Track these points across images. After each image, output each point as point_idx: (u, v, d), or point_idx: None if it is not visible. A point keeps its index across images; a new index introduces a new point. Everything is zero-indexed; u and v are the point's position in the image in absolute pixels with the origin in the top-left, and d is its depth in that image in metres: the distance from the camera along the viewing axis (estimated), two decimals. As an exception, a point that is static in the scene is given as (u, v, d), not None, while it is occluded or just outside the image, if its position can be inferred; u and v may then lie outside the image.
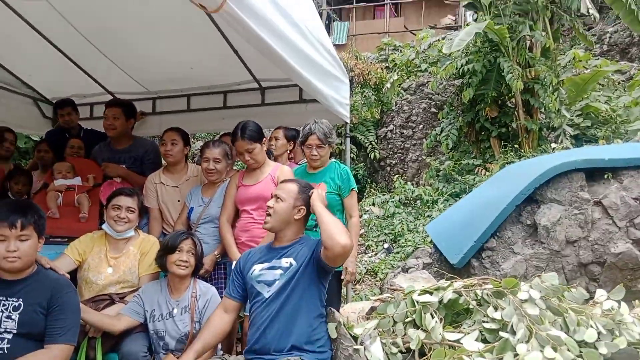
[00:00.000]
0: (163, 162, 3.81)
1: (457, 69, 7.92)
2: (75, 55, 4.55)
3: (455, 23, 18.36)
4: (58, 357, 2.09)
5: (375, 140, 10.85)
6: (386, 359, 2.26)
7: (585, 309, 2.06)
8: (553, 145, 7.03)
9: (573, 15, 8.27)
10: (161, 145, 3.61)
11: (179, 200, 3.52)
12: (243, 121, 3.19)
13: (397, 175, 9.60)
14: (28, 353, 2.06)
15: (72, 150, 4.00)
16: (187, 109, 5.34)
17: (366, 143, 10.66)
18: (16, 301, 2.12)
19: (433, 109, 10.35)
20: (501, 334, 1.98)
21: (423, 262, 4.28)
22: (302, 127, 3.40)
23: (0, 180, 3.99)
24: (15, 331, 2.08)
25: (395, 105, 10.84)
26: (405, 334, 2.31)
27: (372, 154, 10.53)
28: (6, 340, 2.07)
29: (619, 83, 9.94)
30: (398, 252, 6.60)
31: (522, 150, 7.54)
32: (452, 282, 2.48)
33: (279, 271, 2.35)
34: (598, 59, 9.75)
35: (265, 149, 3.25)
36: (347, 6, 21.61)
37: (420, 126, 10.50)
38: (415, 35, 13.34)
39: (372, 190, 10.14)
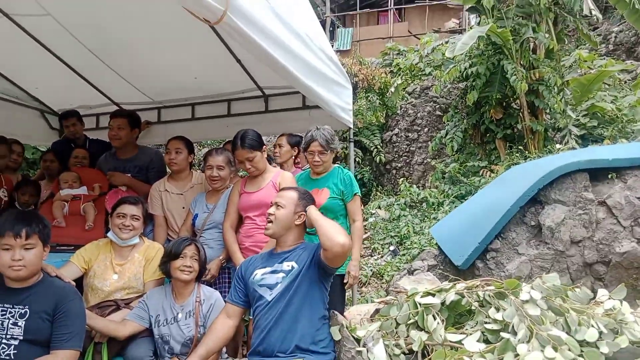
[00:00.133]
0: (168, 170, 3.86)
1: (460, 72, 7.93)
2: (81, 68, 4.62)
3: (459, 26, 18.35)
4: (64, 362, 2.13)
5: (381, 144, 10.86)
6: (389, 361, 2.27)
7: (587, 308, 2.05)
8: (558, 146, 7.00)
9: (578, 16, 8.25)
10: (166, 154, 3.65)
11: (183, 208, 3.55)
12: (242, 130, 3.22)
13: (402, 178, 9.59)
14: (34, 359, 2.10)
15: (77, 160, 4.05)
16: (191, 117, 5.40)
17: (371, 147, 10.67)
18: (22, 308, 2.15)
19: (438, 112, 10.34)
20: (502, 334, 1.98)
21: (428, 264, 4.28)
22: (305, 134, 3.42)
23: (9, 191, 4.05)
24: (21, 337, 2.12)
25: (400, 109, 10.85)
26: (407, 336, 2.32)
27: (378, 158, 10.53)
28: (13, 346, 2.10)
29: (625, 82, 9.89)
30: (404, 255, 6.59)
31: (528, 152, 7.51)
32: (454, 284, 2.48)
33: (281, 274, 2.39)
34: (604, 58, 9.70)
35: (266, 155, 3.28)
36: (350, 12, 21.70)
37: (425, 129, 10.49)
38: (419, 39, 13.34)
39: (378, 193, 10.13)
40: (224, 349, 2.79)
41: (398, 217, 7.78)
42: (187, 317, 2.71)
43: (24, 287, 2.21)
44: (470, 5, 8.54)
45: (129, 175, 3.81)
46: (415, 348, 2.18)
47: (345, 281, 3.16)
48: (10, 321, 2.12)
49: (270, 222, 2.48)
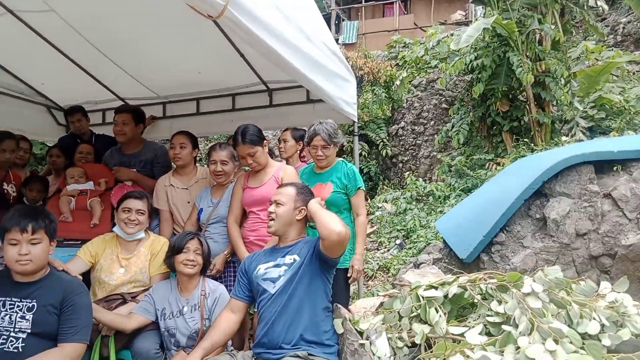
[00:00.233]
0: (173, 165, 3.88)
1: (466, 64, 7.88)
2: (86, 64, 4.65)
3: (465, 18, 18.20)
4: (71, 355, 2.16)
5: (387, 138, 10.83)
6: (392, 353, 2.29)
7: (589, 301, 2.05)
8: (564, 138, 6.94)
9: (585, 8, 8.16)
10: (170, 149, 3.67)
11: (188, 202, 3.58)
12: (242, 125, 3.22)
13: (408, 172, 9.57)
14: (42, 352, 2.13)
15: (81, 155, 4.08)
16: (196, 112, 5.42)
17: (377, 140, 10.65)
18: (30, 302, 2.19)
19: (444, 105, 10.29)
20: (504, 327, 1.98)
21: (434, 257, 4.28)
22: (308, 128, 3.42)
23: (17, 186, 4.10)
24: (29, 331, 2.15)
25: (406, 102, 10.81)
26: (410, 329, 2.33)
27: (384, 151, 10.51)
28: (20, 339, 2.14)
29: (633, 74, 9.78)
30: (410, 248, 6.59)
31: (535, 144, 7.46)
32: (457, 277, 2.49)
33: (284, 267, 2.42)
34: (612, 50, 9.60)
35: (267, 150, 3.28)
36: (356, 5, 21.59)
37: (432, 122, 10.45)
38: (425, 32, 13.26)
39: (385, 187, 10.12)
40: (230, 342, 2.82)
41: (404, 211, 7.77)
42: (192, 310, 2.74)
43: (31, 282, 2.24)
44: (476, -3, 8.48)
45: (135, 170, 3.84)
46: (417, 341, 2.19)
47: (349, 275, 3.17)
48: (18, 315, 2.16)
49: (272, 220, 2.52)
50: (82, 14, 3.77)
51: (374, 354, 2.27)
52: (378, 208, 8.46)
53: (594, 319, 1.92)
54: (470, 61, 7.83)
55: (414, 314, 2.35)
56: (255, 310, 2.87)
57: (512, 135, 8.05)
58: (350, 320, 2.42)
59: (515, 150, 7.48)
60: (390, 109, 11.22)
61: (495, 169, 7.27)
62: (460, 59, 8.00)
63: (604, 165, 3.65)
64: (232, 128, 5.12)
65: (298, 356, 2.24)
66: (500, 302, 2.16)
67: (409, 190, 8.40)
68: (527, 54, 7.54)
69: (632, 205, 3.39)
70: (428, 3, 19.98)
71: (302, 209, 2.52)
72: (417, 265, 4.58)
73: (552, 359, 1.74)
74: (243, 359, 2.38)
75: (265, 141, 3.24)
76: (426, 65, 10.74)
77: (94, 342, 2.57)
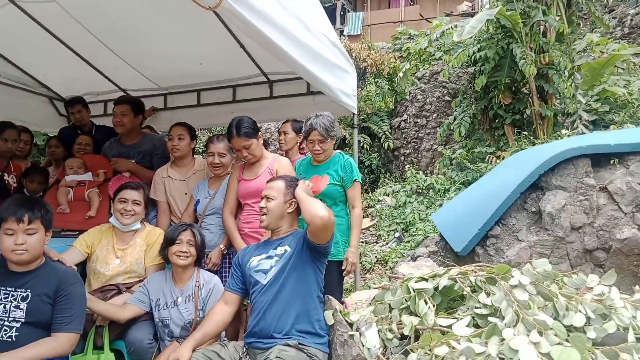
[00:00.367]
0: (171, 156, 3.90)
1: (469, 56, 7.83)
2: (87, 54, 4.67)
3: (472, 9, 18.05)
4: (64, 344, 2.20)
5: (389, 130, 10.80)
6: (382, 345, 2.31)
7: (576, 294, 2.06)
8: (564, 131, 6.90)
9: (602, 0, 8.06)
10: (168, 140, 3.69)
11: (186, 193, 3.60)
12: (237, 118, 3.22)
13: (409, 165, 9.55)
14: (35, 341, 2.17)
15: (80, 146, 4.11)
16: (197, 103, 5.43)
17: (380, 133, 10.62)
18: (24, 292, 2.22)
19: (447, 98, 10.23)
20: (490, 319, 2.00)
21: (430, 250, 4.30)
22: (304, 121, 3.42)
23: (18, 177, 4.14)
24: (23, 320, 2.19)
25: (409, 94, 10.75)
26: (400, 321, 2.35)
27: (386, 144, 10.49)
28: (14, 328, 2.18)
29: (639, 67, 9.66)
30: (409, 241, 6.60)
31: (537, 137, 7.43)
32: (448, 270, 2.50)
33: (275, 258, 2.46)
34: (619, 42, 9.49)
35: (262, 141, 3.30)
36: (361, -4, 21.50)
37: (434, 115, 10.40)
38: (430, 23, 13.17)
39: (386, 180, 10.10)
40: (224, 333, 2.85)
41: (404, 204, 7.77)
42: (186, 301, 2.77)
43: (26, 271, 2.27)
44: (480, -12, 8.40)
45: (133, 161, 3.86)
46: (406, 332, 2.21)
47: (343, 267, 3.18)
48: (13, 304, 2.19)
49: (264, 214, 2.55)
50: (83, 4, 3.78)
51: (363, 345, 2.29)
52: (379, 201, 8.46)
53: (580, 311, 1.93)
54: (474, 53, 7.78)
55: (404, 305, 2.38)
56: (249, 302, 2.91)
57: (514, 129, 8.01)
58: (340, 312, 2.44)
59: (517, 143, 7.44)
60: (393, 101, 11.18)
61: (496, 162, 7.24)
62: (463, 50, 7.95)
63: (601, 159, 3.65)
64: (233, 120, 5.17)
65: (289, 345, 2.27)
66: (488, 294, 2.18)
67: (409, 183, 8.39)
68: (531, 45, 7.48)
69: (628, 199, 3.39)
70: (434, -6, 19.84)
71: (292, 202, 2.55)
72: (414, 259, 4.61)
73: (536, 350, 1.75)
74: (235, 349, 2.41)
75: (259, 133, 3.25)
76: (430, 57, 10.66)
77: (88, 332, 2.61)
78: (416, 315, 2.30)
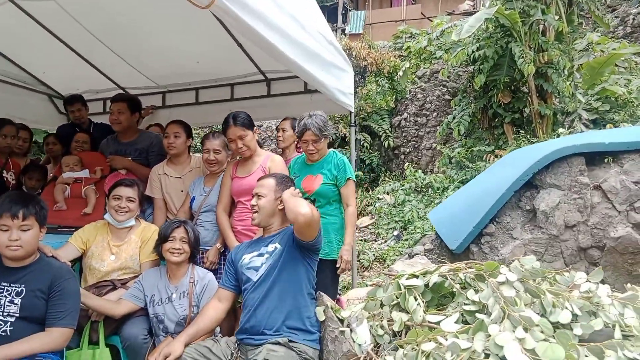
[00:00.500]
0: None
1: (468, 55, 7.84)
2: (86, 52, 4.71)
3: (473, 8, 18.02)
4: (58, 339, 2.23)
5: (390, 129, 10.82)
6: (372, 341, 2.33)
7: (564, 291, 2.08)
8: (561, 130, 6.91)
9: (600, -1, 8.05)
10: (164, 138, 3.71)
11: (182, 191, 3.62)
12: (233, 111, 3.25)
13: (407, 163, 9.57)
14: (29, 335, 2.19)
15: (77, 144, 4.14)
16: (195, 101, 5.47)
17: (380, 132, 10.65)
18: (19, 287, 2.25)
19: (447, 97, 10.24)
20: (477, 315, 2.02)
21: (426, 248, 4.32)
22: (298, 121, 3.43)
23: (17, 174, 4.17)
24: (17, 315, 2.21)
25: (409, 93, 10.77)
26: (390, 317, 2.37)
27: (386, 143, 10.51)
28: (9, 323, 2.20)
29: (641, 66, 9.65)
30: (407, 239, 6.63)
31: (536, 136, 7.43)
32: (438, 267, 2.52)
33: (266, 256, 2.48)
34: (620, 41, 9.48)
35: (256, 137, 3.31)
36: (363, -5, 21.49)
37: (434, 114, 10.41)
38: (432, 22, 13.17)
39: (387, 178, 10.13)
40: (218, 329, 2.87)
41: (403, 202, 7.79)
42: (181, 297, 2.79)
43: (21, 267, 2.30)
44: (480, -13, 8.41)
45: (130, 158, 3.88)
46: (395, 328, 2.23)
47: (338, 266, 3.20)
48: (7, 299, 2.22)
49: (255, 212, 2.58)
50: (80, 2, 3.81)
51: (354, 341, 2.31)
52: (378, 199, 8.48)
53: (566, 308, 1.95)
54: (472, 52, 7.79)
55: (394, 302, 2.39)
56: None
57: (514, 127, 8.02)
58: (332, 308, 2.46)
59: (516, 142, 7.45)
60: (393, 100, 11.20)
61: (493, 160, 7.26)
62: (462, 49, 7.96)
63: (596, 157, 3.65)
64: (231, 117, 5.19)
65: (279, 342, 2.29)
66: (477, 291, 2.19)
67: (408, 182, 8.40)
68: (530, 44, 7.48)
69: (622, 198, 3.39)
70: (436, -7, 19.81)
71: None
72: (411, 256, 4.63)
73: (521, 346, 1.77)
74: (227, 345, 2.44)
75: (255, 128, 3.27)
76: (431, 56, 10.68)
77: (83, 328, 2.64)
78: (406, 311, 2.32)
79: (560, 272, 2.45)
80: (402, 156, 10.58)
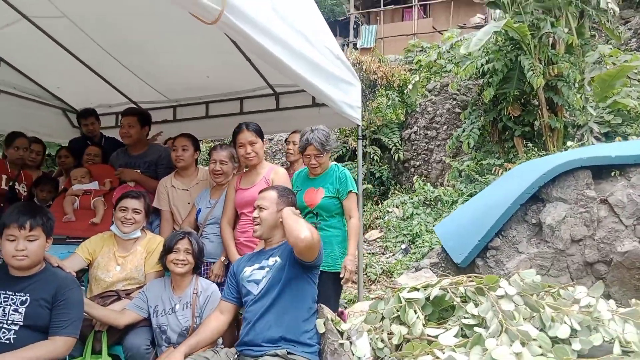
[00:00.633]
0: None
1: (477, 68, 7.84)
2: (99, 67, 4.81)
3: (485, 22, 18.03)
4: (61, 347, 2.26)
5: (400, 142, 10.82)
6: (372, 354, 2.32)
7: (563, 305, 2.06)
8: (569, 143, 6.85)
9: (602, 11, 8.02)
10: (172, 151, 3.77)
11: (189, 203, 3.66)
12: (245, 121, 3.33)
13: (416, 176, 9.55)
14: (33, 344, 2.23)
15: (89, 157, 4.23)
16: (205, 115, 5.54)
17: (390, 145, 10.65)
18: (23, 296, 2.29)
19: (457, 110, 10.23)
20: (476, 329, 2.01)
21: (431, 262, 4.30)
22: (300, 136, 3.47)
23: (29, 186, 4.26)
24: (21, 323, 2.25)
25: (420, 106, 10.78)
26: (390, 330, 2.37)
27: (397, 156, 10.51)
28: (13, 331, 2.24)
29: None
30: (414, 253, 6.59)
31: (547, 149, 7.38)
32: (440, 280, 2.51)
33: (267, 269, 2.49)
34: (633, 53, 9.42)
35: (264, 148, 3.36)
36: (375, 9, 21.64)
37: (445, 127, 10.40)
38: (443, 35, 13.22)
39: (396, 191, 10.10)
40: (220, 340, 2.89)
41: (411, 216, 7.76)
42: (184, 308, 2.81)
43: (26, 276, 2.34)
44: (489, 0, 8.44)
45: (139, 171, 3.95)
46: (395, 341, 2.23)
47: (341, 276, 3.20)
48: (12, 307, 2.26)
49: (257, 224, 2.60)
50: (92, 18, 3.91)
51: (353, 354, 2.31)
52: (387, 212, 8.46)
53: (565, 322, 1.93)
54: (482, 65, 7.79)
55: (395, 315, 2.39)
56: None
57: (524, 140, 7.97)
58: (332, 320, 2.46)
59: (526, 155, 7.40)
60: (403, 113, 11.21)
61: (502, 174, 7.22)
62: (471, 62, 7.96)
63: (603, 171, 3.63)
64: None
65: (277, 355, 2.29)
66: (477, 305, 2.18)
67: (416, 195, 8.38)
68: (540, 57, 7.47)
69: (629, 212, 3.36)
70: (447, 7, 19.89)
71: None
72: (418, 270, 4.60)
73: (517, 361, 1.76)
74: (227, 356, 2.45)
75: (264, 139, 3.33)
76: (441, 69, 10.69)
77: (87, 337, 2.67)
78: (406, 325, 2.32)
79: (564, 286, 2.43)
80: (412, 169, 10.56)
